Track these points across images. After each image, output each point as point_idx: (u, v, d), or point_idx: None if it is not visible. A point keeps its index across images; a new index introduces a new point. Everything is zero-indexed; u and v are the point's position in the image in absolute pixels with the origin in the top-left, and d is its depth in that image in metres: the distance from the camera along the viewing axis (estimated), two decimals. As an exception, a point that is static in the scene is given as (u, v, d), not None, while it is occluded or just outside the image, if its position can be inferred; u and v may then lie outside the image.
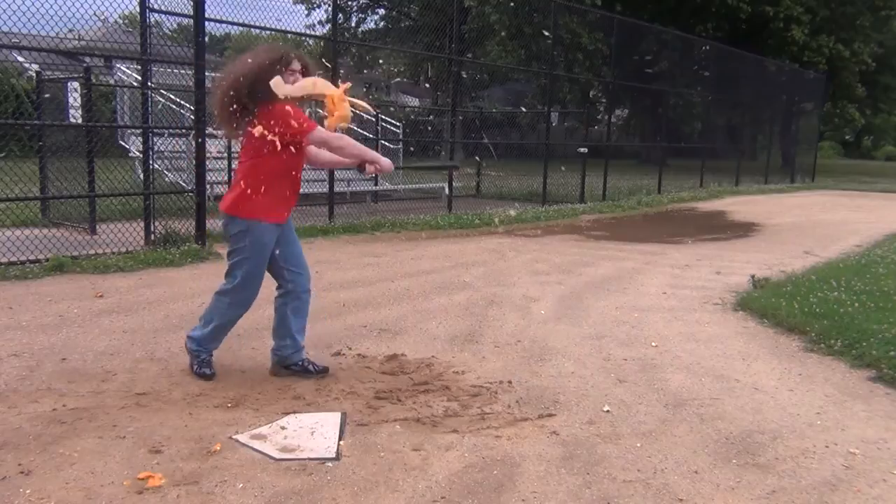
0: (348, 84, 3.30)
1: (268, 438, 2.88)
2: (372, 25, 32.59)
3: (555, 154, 14.13)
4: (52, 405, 3.13)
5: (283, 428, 2.98)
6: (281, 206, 3.39)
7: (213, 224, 7.03)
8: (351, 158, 3.48)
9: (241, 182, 3.31)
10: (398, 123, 14.05)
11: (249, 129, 3.30)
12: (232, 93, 3.22)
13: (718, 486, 2.65)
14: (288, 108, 3.23)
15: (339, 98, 3.26)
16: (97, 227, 7.34)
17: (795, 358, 4.26)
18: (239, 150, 3.48)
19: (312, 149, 3.48)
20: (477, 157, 14.88)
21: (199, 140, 6.77)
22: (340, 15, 26.67)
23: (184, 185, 8.80)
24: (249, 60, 3.26)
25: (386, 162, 3.46)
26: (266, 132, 3.23)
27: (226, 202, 3.37)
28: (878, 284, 5.81)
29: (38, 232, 6.86)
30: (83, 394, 3.28)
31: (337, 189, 9.25)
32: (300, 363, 3.59)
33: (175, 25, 8.10)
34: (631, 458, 2.85)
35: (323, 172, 9.96)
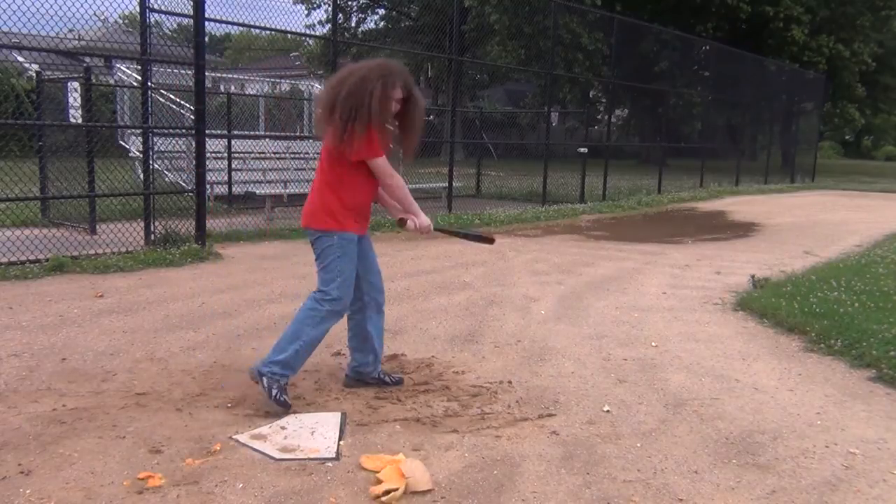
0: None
1: (268, 438, 2.88)
2: (372, 25, 32.60)
3: (555, 154, 14.14)
4: (52, 405, 3.13)
5: (283, 428, 2.98)
6: (358, 217, 3.32)
7: (213, 224, 7.04)
8: (395, 200, 3.42)
9: (325, 194, 3.27)
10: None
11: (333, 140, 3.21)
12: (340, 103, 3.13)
13: (718, 486, 2.65)
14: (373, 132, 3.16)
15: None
16: (97, 227, 7.34)
17: (795, 358, 4.26)
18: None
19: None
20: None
21: (199, 140, 6.77)
22: (340, 15, 26.68)
23: (184, 185, 8.80)
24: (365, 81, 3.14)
25: (424, 221, 3.37)
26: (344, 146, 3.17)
27: (311, 216, 3.30)
28: (878, 284, 5.81)
29: (38, 232, 6.87)
30: (83, 394, 3.28)
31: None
32: (377, 376, 3.54)
33: (175, 25, 8.10)
34: (631, 458, 2.85)
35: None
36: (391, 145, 3.33)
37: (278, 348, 3.22)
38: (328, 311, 3.25)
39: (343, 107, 3.10)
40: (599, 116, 25.34)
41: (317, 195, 3.29)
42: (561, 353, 4.19)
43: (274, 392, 3.14)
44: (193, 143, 6.98)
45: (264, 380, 3.16)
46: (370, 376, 3.51)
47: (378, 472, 2.59)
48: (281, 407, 3.13)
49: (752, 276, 6.24)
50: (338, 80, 3.20)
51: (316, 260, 3.32)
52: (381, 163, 3.23)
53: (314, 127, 3.39)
